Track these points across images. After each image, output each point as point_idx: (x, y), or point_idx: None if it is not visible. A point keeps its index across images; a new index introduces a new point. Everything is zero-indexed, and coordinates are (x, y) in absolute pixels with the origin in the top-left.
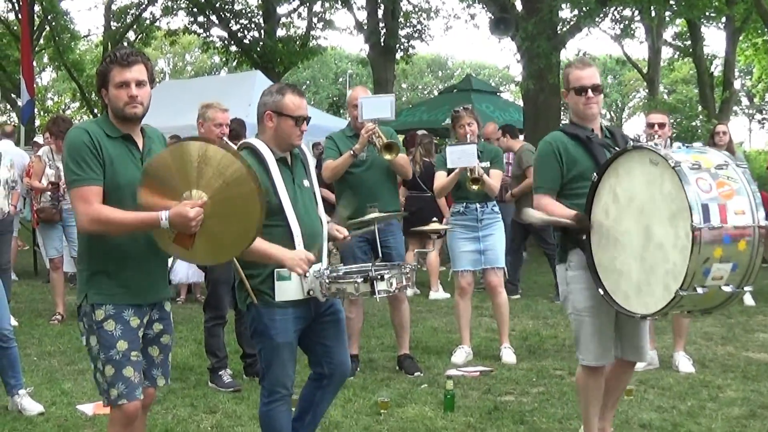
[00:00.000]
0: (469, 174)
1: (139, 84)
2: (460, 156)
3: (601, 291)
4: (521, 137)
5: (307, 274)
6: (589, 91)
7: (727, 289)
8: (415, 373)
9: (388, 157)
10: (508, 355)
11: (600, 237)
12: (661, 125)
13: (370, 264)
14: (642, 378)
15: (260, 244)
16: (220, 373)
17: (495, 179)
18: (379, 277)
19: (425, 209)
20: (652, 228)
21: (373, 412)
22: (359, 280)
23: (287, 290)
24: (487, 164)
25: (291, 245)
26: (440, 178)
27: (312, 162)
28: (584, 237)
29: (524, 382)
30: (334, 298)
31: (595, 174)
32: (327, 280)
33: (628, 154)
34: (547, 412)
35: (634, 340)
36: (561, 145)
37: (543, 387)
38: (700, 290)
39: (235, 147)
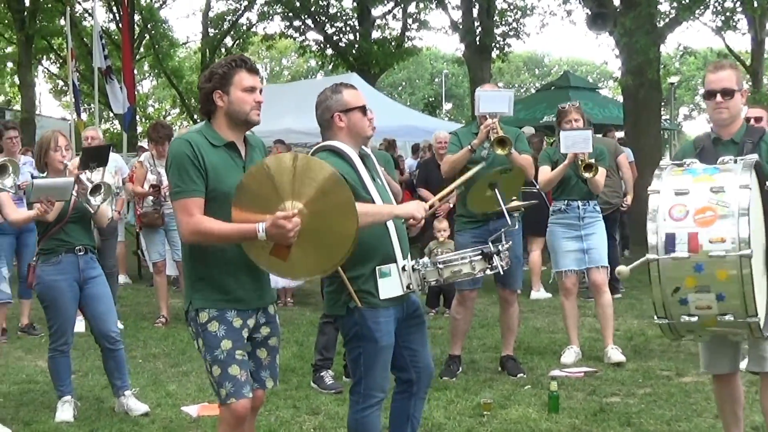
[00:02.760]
0: (581, 161)
1: (261, 92)
2: (575, 141)
3: None
4: (619, 134)
5: (405, 268)
6: (717, 95)
7: (728, 318)
8: (518, 374)
9: (500, 152)
10: (615, 355)
11: None
12: (758, 119)
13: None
14: (753, 379)
15: (370, 207)
16: (322, 373)
17: (599, 176)
18: (496, 251)
19: (538, 204)
20: None
21: (476, 414)
22: (475, 257)
23: (390, 287)
24: (591, 162)
25: (387, 240)
26: (545, 173)
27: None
28: None
29: (630, 383)
30: (445, 285)
31: None
32: (441, 266)
33: None
34: (655, 413)
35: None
36: (683, 154)
37: (650, 388)
38: (687, 318)
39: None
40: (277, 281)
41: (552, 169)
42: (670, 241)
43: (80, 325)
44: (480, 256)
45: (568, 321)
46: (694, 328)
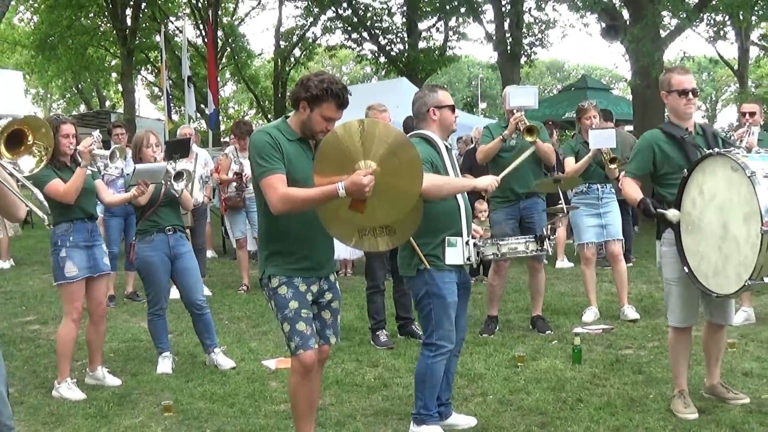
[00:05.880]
0: (605, 156)
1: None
2: (602, 138)
3: (686, 269)
4: (629, 127)
5: (468, 243)
6: (690, 93)
7: None
8: (547, 332)
9: (529, 139)
10: (631, 313)
11: (687, 223)
12: (752, 114)
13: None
14: (743, 332)
15: (447, 178)
16: (378, 333)
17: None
18: (547, 236)
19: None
20: (729, 224)
21: (511, 365)
22: (531, 239)
23: (454, 255)
24: (616, 156)
25: (458, 216)
26: (571, 163)
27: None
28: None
29: (641, 338)
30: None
31: (685, 170)
32: (501, 243)
33: (713, 158)
34: (662, 363)
35: (721, 306)
36: (655, 142)
37: (657, 342)
38: (766, 279)
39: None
40: (339, 253)
41: (575, 159)
42: None
43: (175, 292)
44: (534, 239)
45: (587, 285)
46: (759, 288)
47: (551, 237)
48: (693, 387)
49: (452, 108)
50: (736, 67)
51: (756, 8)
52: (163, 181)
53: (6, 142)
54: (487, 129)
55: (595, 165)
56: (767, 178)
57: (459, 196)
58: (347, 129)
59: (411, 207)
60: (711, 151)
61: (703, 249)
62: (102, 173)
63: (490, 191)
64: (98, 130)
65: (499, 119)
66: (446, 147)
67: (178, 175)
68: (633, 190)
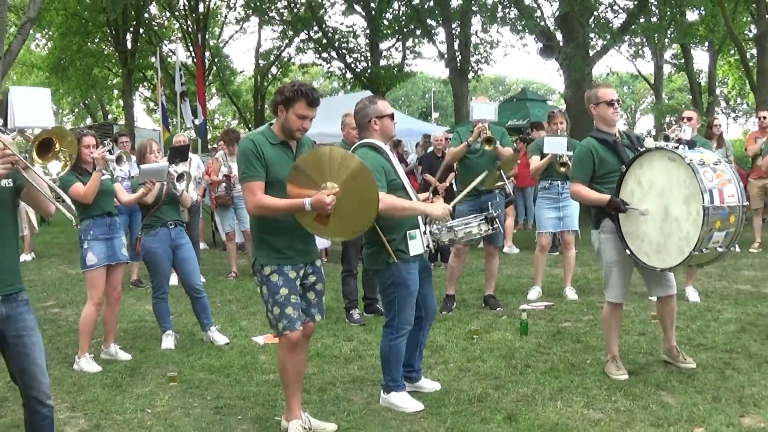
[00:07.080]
0: (558, 159)
1: (311, 120)
2: (556, 145)
3: (627, 251)
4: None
5: (426, 232)
6: (616, 103)
7: (720, 249)
8: (497, 308)
9: (487, 147)
10: (571, 294)
11: (627, 211)
12: (689, 118)
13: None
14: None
15: (404, 202)
16: (351, 311)
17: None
18: (496, 216)
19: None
20: (670, 206)
21: (467, 338)
22: (482, 221)
23: (416, 246)
24: (571, 153)
25: None
26: (535, 162)
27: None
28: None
29: (578, 313)
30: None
31: (623, 167)
32: (456, 229)
33: (650, 152)
34: (596, 333)
35: (660, 281)
36: (593, 148)
37: (592, 315)
38: (704, 251)
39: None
40: (322, 242)
41: (540, 159)
42: (711, 195)
43: (174, 279)
44: (485, 221)
45: (537, 268)
46: (698, 260)
47: (499, 215)
48: (623, 353)
49: (391, 116)
50: (652, 81)
51: (669, 32)
52: (166, 182)
53: (38, 149)
54: (456, 133)
55: (556, 164)
56: (701, 165)
57: (411, 192)
58: (322, 152)
59: (366, 224)
60: (651, 147)
61: (643, 232)
62: (113, 176)
63: (443, 219)
64: (108, 139)
65: (466, 124)
66: (390, 149)
67: (180, 177)
68: (589, 192)
